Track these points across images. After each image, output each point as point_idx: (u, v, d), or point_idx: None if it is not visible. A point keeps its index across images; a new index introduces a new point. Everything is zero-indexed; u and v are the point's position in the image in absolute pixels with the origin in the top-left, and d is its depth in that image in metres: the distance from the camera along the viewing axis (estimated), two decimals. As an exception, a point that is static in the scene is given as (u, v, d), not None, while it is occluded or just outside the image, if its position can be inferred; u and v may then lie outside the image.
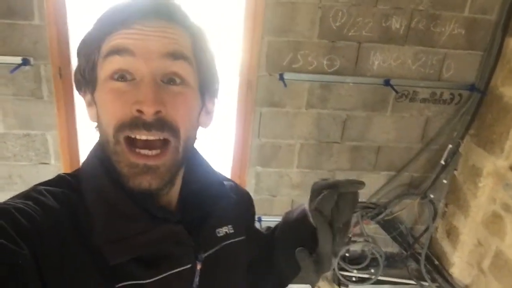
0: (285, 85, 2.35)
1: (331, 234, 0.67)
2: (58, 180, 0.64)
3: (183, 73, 0.61)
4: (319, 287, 0.70)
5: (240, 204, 0.83)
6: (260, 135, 2.52)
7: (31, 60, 2.17)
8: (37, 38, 2.15)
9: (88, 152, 0.68)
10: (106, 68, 0.59)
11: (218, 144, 2.73)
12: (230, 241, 0.75)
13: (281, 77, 2.34)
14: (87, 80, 0.63)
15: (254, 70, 2.35)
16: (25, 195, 0.58)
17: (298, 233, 0.74)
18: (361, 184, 0.69)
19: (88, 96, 0.65)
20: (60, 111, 2.30)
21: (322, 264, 0.69)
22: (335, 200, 0.67)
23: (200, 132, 0.71)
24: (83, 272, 0.56)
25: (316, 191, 0.70)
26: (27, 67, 2.19)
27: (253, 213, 0.93)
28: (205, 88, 0.67)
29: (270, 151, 2.57)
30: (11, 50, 2.15)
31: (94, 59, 0.61)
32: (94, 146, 0.68)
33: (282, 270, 0.81)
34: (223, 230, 0.74)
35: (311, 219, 0.71)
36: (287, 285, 0.85)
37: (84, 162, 0.68)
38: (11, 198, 0.58)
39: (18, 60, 2.14)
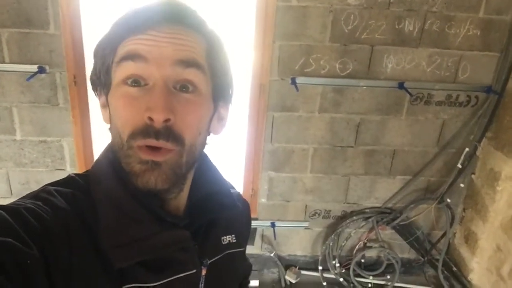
0: (297, 89, 2.34)
1: None
2: (68, 181, 0.65)
3: (196, 80, 0.61)
4: None
5: (243, 214, 0.83)
6: (273, 140, 2.52)
7: (47, 68, 2.22)
8: (52, 47, 2.19)
9: (99, 154, 0.69)
10: (120, 73, 0.60)
11: (231, 149, 2.74)
12: (232, 251, 0.76)
13: (293, 81, 2.34)
14: (102, 81, 0.64)
15: (266, 75, 2.34)
16: (35, 195, 0.59)
17: None
18: None
19: (103, 98, 0.66)
20: (75, 118, 2.34)
21: None
22: None
23: (212, 138, 0.71)
24: (90, 273, 0.56)
25: None
26: (43, 75, 2.23)
27: (250, 226, 0.92)
28: (218, 94, 0.67)
29: (283, 156, 2.56)
30: (28, 58, 2.20)
31: (109, 62, 0.62)
32: (105, 148, 0.68)
33: None
34: (227, 239, 0.76)
35: None
36: None
37: (94, 163, 0.68)
38: (21, 198, 0.59)
39: (34, 68, 2.19)
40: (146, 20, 0.59)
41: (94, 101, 2.37)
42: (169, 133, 0.58)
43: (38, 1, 2.11)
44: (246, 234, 0.88)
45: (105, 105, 0.65)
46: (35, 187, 2.45)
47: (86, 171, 0.68)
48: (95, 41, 0.65)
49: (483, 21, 2.31)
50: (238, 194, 0.86)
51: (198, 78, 0.61)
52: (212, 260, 0.70)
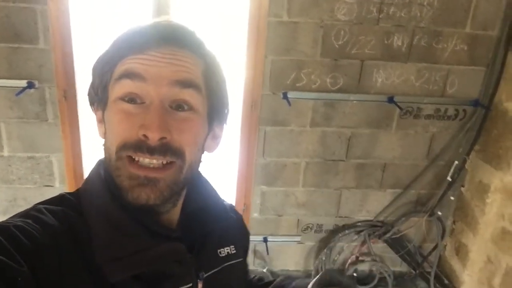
0: (289, 103, 2.35)
1: None
2: (59, 199, 0.65)
3: (192, 100, 0.62)
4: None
5: (239, 225, 0.83)
6: (265, 154, 2.52)
7: (36, 83, 2.19)
8: (42, 62, 2.17)
9: (90, 171, 0.69)
10: (117, 90, 0.61)
11: (223, 164, 2.72)
12: (231, 262, 0.76)
13: (285, 96, 2.35)
14: (99, 97, 0.65)
15: (258, 89, 2.35)
16: (25, 214, 0.59)
17: None
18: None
19: (99, 113, 0.67)
20: (65, 133, 2.30)
21: None
22: None
23: (205, 155, 0.72)
24: None
25: (324, 282, 0.72)
26: (32, 90, 2.20)
27: (248, 239, 0.92)
28: (214, 114, 0.68)
29: (275, 170, 2.56)
30: (17, 73, 2.17)
31: (107, 79, 0.63)
32: (96, 164, 0.69)
33: None
34: (225, 251, 0.75)
35: None
36: None
37: (85, 180, 0.68)
38: (11, 217, 0.59)
39: (23, 83, 2.16)
40: (146, 40, 0.60)
41: (84, 116, 2.35)
42: (166, 148, 0.59)
43: (27, 15, 2.09)
44: (245, 245, 0.87)
45: (101, 120, 0.67)
46: (22, 204, 2.41)
47: (77, 189, 0.69)
48: (86, 55, 0.66)
49: (470, 36, 2.36)
50: (231, 205, 0.87)
51: (194, 99, 0.62)
52: (208, 273, 0.70)
